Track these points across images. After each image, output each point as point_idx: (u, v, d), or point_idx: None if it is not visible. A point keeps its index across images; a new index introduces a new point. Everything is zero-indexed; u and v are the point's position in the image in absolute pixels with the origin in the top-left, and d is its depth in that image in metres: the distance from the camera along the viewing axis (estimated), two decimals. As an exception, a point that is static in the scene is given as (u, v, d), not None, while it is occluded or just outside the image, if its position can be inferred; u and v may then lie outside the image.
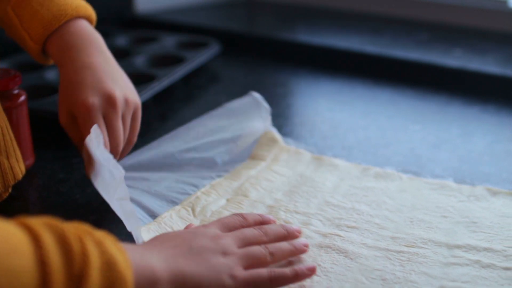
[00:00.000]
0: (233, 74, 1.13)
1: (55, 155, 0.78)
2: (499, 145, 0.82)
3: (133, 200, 0.65)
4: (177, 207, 0.66)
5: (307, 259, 0.58)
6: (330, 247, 0.59)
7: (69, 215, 0.64)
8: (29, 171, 0.73)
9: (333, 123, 0.90)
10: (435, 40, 1.20)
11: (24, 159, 0.71)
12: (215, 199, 0.68)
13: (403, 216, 0.65)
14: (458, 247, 0.59)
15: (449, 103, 0.98)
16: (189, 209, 0.66)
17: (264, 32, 1.31)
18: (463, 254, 0.58)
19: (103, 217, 0.63)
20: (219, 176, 0.73)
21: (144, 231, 0.60)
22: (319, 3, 1.48)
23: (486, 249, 0.58)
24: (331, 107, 0.97)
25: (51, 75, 0.97)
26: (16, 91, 0.70)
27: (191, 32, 1.23)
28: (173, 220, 0.64)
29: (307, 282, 0.54)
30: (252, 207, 0.67)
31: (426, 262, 0.57)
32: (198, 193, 0.69)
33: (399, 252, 0.59)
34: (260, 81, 1.09)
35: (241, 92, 0.83)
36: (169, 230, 0.62)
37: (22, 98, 0.71)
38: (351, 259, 0.58)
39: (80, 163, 0.74)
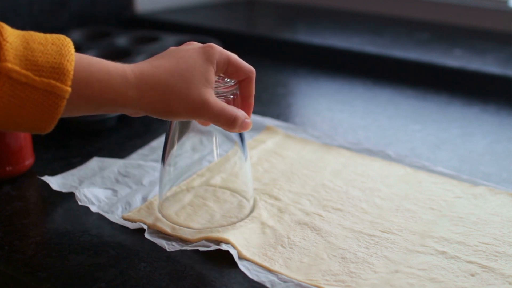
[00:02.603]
0: (233, 74, 1.13)
1: (55, 155, 0.78)
2: (499, 145, 0.82)
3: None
4: (173, 188, 0.68)
5: (282, 232, 0.60)
6: (307, 224, 0.62)
7: (69, 215, 0.64)
8: (29, 171, 0.73)
9: (333, 123, 0.90)
10: (435, 40, 1.20)
11: (24, 159, 0.72)
12: (211, 177, 0.71)
13: (391, 204, 0.66)
14: (431, 237, 0.60)
15: (449, 103, 0.98)
16: (184, 187, 0.69)
17: (264, 32, 1.31)
18: (432, 244, 0.58)
19: (104, 216, 0.64)
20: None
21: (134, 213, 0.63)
22: (319, 3, 1.48)
23: (458, 243, 0.59)
24: (331, 107, 0.97)
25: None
26: (16, 91, 0.70)
27: (191, 32, 1.24)
28: (167, 197, 0.66)
29: (270, 250, 0.57)
30: None
31: (392, 248, 0.58)
32: (194, 176, 0.71)
33: (370, 235, 0.60)
34: (260, 81, 1.09)
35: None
36: (156, 211, 0.64)
37: (22, 98, 0.71)
38: (322, 236, 0.60)
39: (80, 162, 0.74)
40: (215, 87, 0.57)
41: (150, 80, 0.52)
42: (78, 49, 1.09)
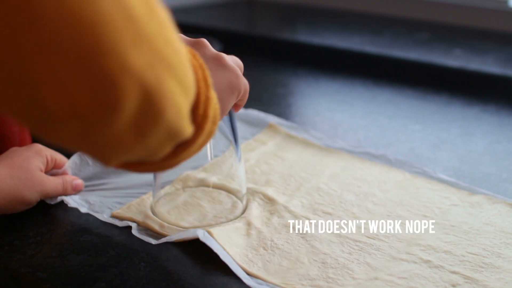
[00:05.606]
0: (233, 74, 1.13)
1: (55, 155, 0.78)
2: (499, 145, 0.82)
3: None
4: (168, 187, 0.68)
5: (266, 235, 0.59)
6: (293, 228, 0.61)
7: (69, 215, 0.64)
8: (29, 171, 0.73)
9: (333, 123, 0.90)
10: (435, 40, 1.20)
11: (24, 159, 0.71)
12: (208, 177, 0.70)
13: (383, 210, 0.64)
14: (418, 245, 0.58)
15: (449, 103, 0.98)
16: (179, 187, 0.68)
17: (264, 32, 1.31)
18: (418, 253, 0.57)
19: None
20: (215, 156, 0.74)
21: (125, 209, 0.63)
22: (319, 3, 1.48)
23: (445, 252, 0.57)
24: (331, 107, 0.97)
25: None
26: (16, 91, 0.70)
27: (191, 32, 1.23)
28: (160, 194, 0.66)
29: (251, 252, 0.57)
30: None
31: (376, 254, 0.57)
32: (189, 172, 0.70)
33: (356, 241, 0.59)
34: (261, 81, 1.09)
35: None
36: (144, 205, 0.64)
37: (22, 98, 0.71)
38: (306, 240, 0.59)
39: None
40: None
41: None
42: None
